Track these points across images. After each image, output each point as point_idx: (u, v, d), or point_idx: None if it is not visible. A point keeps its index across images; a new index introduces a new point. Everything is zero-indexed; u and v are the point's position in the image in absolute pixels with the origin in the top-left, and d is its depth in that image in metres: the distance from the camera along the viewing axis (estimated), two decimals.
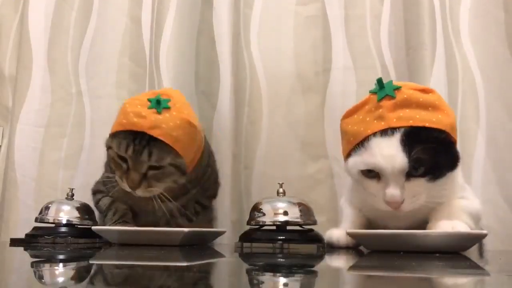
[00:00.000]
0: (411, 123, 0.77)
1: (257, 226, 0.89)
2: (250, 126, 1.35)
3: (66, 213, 0.99)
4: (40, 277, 0.50)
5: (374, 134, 0.78)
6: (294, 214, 0.87)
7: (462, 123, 1.20)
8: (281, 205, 0.88)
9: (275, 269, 0.59)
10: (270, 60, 1.37)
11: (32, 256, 0.78)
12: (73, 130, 1.43)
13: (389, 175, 0.76)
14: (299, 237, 0.87)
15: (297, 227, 0.89)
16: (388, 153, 0.76)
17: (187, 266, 0.63)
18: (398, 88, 0.80)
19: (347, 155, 0.83)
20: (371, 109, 0.81)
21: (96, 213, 1.06)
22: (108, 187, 1.03)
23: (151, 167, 0.93)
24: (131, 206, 1.03)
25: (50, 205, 1.00)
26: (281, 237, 0.85)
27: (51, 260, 0.70)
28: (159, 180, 0.94)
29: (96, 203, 1.06)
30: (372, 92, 0.83)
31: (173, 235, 0.87)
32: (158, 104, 0.92)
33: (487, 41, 1.24)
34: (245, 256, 0.80)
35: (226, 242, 1.13)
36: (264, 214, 0.88)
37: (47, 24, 1.46)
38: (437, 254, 0.69)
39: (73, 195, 1.04)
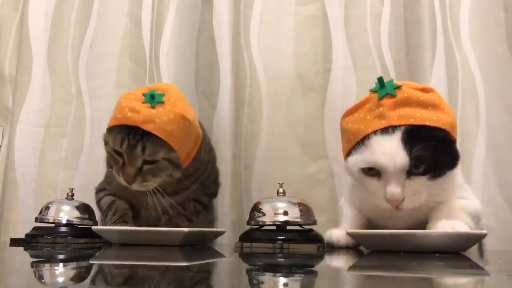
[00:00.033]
0: (411, 121, 0.77)
1: (257, 226, 0.89)
2: (250, 126, 1.35)
3: (66, 213, 0.99)
4: (40, 277, 0.50)
5: (375, 132, 0.78)
6: (294, 214, 0.87)
7: (462, 123, 1.20)
8: (281, 205, 0.88)
9: (275, 269, 0.59)
10: (270, 60, 1.37)
11: (32, 256, 0.78)
12: (73, 130, 1.43)
13: (390, 173, 0.76)
14: (299, 237, 0.87)
15: (297, 227, 0.89)
16: (389, 150, 0.76)
17: (187, 266, 0.63)
18: (398, 87, 0.81)
19: (347, 154, 0.83)
20: (372, 108, 0.81)
21: (97, 212, 1.06)
22: (109, 182, 1.03)
23: (146, 162, 0.93)
24: (130, 201, 1.03)
25: (50, 205, 1.00)
26: (281, 237, 0.85)
27: (51, 260, 0.70)
28: (154, 174, 0.95)
29: (98, 202, 1.07)
30: (373, 91, 0.83)
31: (173, 235, 0.87)
32: (152, 98, 0.93)
33: (487, 41, 1.24)
34: (245, 256, 0.80)
35: (226, 242, 1.13)
36: (264, 214, 0.88)
37: (47, 24, 1.46)
38: (437, 254, 0.69)
39: (73, 195, 1.04)
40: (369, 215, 0.88)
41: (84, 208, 1.02)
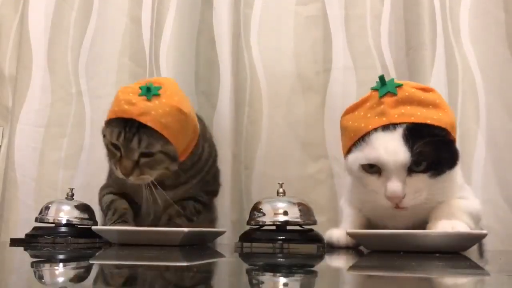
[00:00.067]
0: (412, 119, 0.78)
1: (257, 226, 0.89)
2: (250, 126, 1.35)
3: (66, 213, 0.99)
4: (40, 277, 0.50)
5: (376, 129, 0.78)
6: (294, 214, 0.87)
7: (462, 123, 1.20)
8: (281, 205, 0.88)
9: (275, 269, 0.59)
10: (270, 60, 1.37)
11: (32, 256, 0.78)
12: (73, 130, 1.43)
13: (390, 170, 0.76)
14: (299, 237, 0.87)
15: (297, 227, 0.89)
16: (390, 147, 0.76)
17: (187, 266, 0.63)
18: (399, 86, 0.81)
19: (347, 151, 0.83)
20: (373, 106, 0.81)
21: (97, 211, 1.06)
22: (111, 174, 1.04)
23: (142, 155, 0.94)
24: (130, 195, 1.04)
25: (50, 205, 1.00)
26: (281, 237, 0.85)
27: (51, 260, 0.70)
28: (151, 167, 0.95)
29: (100, 199, 1.07)
30: (374, 89, 0.83)
31: (173, 235, 0.87)
32: (148, 91, 0.93)
33: (487, 41, 1.24)
34: (245, 256, 0.80)
35: (226, 242, 1.13)
36: (264, 214, 0.88)
37: (47, 24, 1.47)
38: (437, 254, 0.69)
39: (73, 195, 1.04)
40: (369, 215, 0.87)
41: (84, 208, 1.02)
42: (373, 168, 0.79)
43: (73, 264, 0.64)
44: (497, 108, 1.21)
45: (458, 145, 0.82)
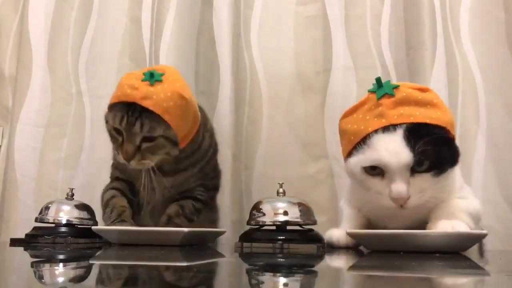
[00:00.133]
0: (411, 119, 0.78)
1: (257, 226, 0.89)
2: (250, 126, 1.35)
3: (66, 213, 0.99)
4: (40, 277, 0.50)
5: (376, 131, 0.78)
6: (294, 214, 0.87)
7: (462, 123, 1.20)
8: (281, 205, 0.88)
9: (275, 269, 0.59)
10: (270, 60, 1.37)
11: (32, 256, 0.78)
12: (73, 130, 1.43)
13: (394, 171, 0.76)
14: (299, 237, 0.87)
15: (297, 227, 0.89)
16: (392, 148, 0.76)
17: (187, 266, 0.63)
18: (396, 87, 0.81)
19: (348, 155, 0.83)
20: (371, 108, 0.81)
21: (97, 211, 1.06)
22: (114, 160, 1.06)
23: (144, 139, 0.95)
24: (132, 181, 1.05)
25: (50, 205, 1.00)
26: (281, 237, 0.85)
27: (51, 260, 0.70)
28: (152, 152, 0.96)
29: (102, 194, 1.08)
30: (371, 91, 0.83)
31: (173, 235, 0.87)
32: (152, 77, 0.95)
33: (487, 41, 1.24)
34: (245, 256, 0.80)
35: (226, 242, 1.13)
36: (264, 214, 0.88)
37: (47, 24, 1.46)
38: (437, 254, 0.69)
39: (73, 195, 1.04)
40: (369, 215, 0.87)
41: (84, 208, 1.02)
42: (375, 170, 0.79)
43: (73, 264, 0.64)
44: (497, 108, 1.21)
45: (458, 145, 0.82)
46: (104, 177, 1.12)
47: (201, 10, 1.41)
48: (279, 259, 0.72)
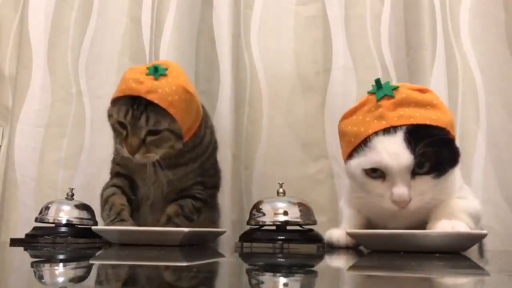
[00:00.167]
0: (412, 121, 0.78)
1: (257, 226, 0.89)
2: (250, 126, 1.35)
3: (66, 213, 0.99)
4: (40, 277, 0.50)
5: (376, 133, 0.78)
6: (294, 214, 0.87)
7: (462, 123, 1.20)
8: (281, 205, 0.88)
9: (275, 269, 0.59)
10: (270, 60, 1.37)
11: (32, 256, 0.78)
12: (73, 130, 1.43)
13: (395, 173, 0.76)
14: (299, 237, 0.87)
15: (297, 227, 0.89)
16: (393, 150, 0.76)
17: (187, 266, 0.63)
18: (396, 88, 0.81)
19: (348, 157, 0.83)
20: (371, 109, 0.81)
21: (97, 211, 1.06)
22: (116, 154, 1.06)
23: (149, 133, 0.95)
24: (133, 177, 1.05)
25: (50, 205, 1.00)
26: (281, 237, 0.85)
27: (51, 260, 0.70)
28: (157, 146, 0.97)
29: (103, 190, 1.07)
30: (370, 93, 0.83)
31: (173, 235, 0.87)
32: (156, 71, 0.96)
33: (487, 41, 1.24)
34: (245, 256, 0.80)
35: (226, 242, 1.13)
36: (264, 214, 0.88)
37: (47, 24, 1.46)
38: (437, 254, 0.69)
39: (73, 195, 1.04)
40: (369, 215, 0.87)
41: (84, 208, 1.02)
42: (376, 173, 0.79)
43: (73, 264, 0.64)
44: (497, 108, 1.21)
45: (458, 145, 0.82)
46: (104, 177, 1.12)
47: (201, 10, 1.41)
48: (279, 259, 0.72)
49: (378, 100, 0.81)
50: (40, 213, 1.00)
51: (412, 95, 0.80)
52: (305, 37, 1.37)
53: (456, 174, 0.82)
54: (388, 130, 0.78)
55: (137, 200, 1.06)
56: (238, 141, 1.31)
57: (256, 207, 0.90)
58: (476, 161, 1.20)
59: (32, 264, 0.64)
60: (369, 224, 0.88)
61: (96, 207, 1.06)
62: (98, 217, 1.05)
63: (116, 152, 1.06)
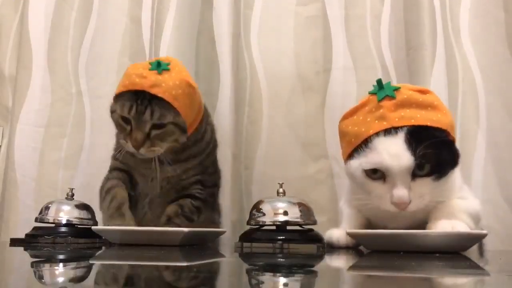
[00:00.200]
0: (412, 122, 0.78)
1: (257, 226, 0.89)
2: (250, 126, 1.35)
3: (66, 213, 0.99)
4: (40, 277, 0.50)
5: (377, 134, 0.78)
6: (294, 214, 0.87)
7: (462, 123, 1.20)
8: (281, 205, 0.88)
9: (275, 269, 0.59)
10: (270, 60, 1.37)
11: (32, 256, 0.78)
12: (73, 130, 1.43)
13: (395, 174, 0.76)
14: (299, 237, 0.87)
15: (297, 227, 0.89)
16: (394, 151, 0.76)
17: (187, 266, 0.63)
18: (397, 89, 0.81)
19: (348, 157, 0.83)
20: (372, 110, 0.81)
21: (97, 211, 1.06)
22: (118, 149, 1.06)
23: (154, 126, 0.96)
24: (133, 173, 1.05)
25: (50, 205, 1.00)
26: (281, 237, 0.85)
27: (51, 260, 0.70)
28: (162, 139, 0.98)
29: (104, 182, 1.08)
30: (372, 93, 0.83)
31: (173, 235, 0.87)
32: (159, 66, 0.97)
33: (487, 41, 1.24)
34: (245, 256, 0.80)
35: (226, 242, 1.13)
36: (264, 214, 0.88)
37: (47, 24, 1.47)
38: (437, 254, 0.69)
39: (73, 195, 1.04)
40: (369, 215, 0.87)
41: (84, 208, 1.02)
42: (376, 174, 0.79)
43: (73, 264, 0.64)
44: (497, 108, 1.21)
45: (458, 145, 0.82)
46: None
47: (201, 10, 1.41)
48: (279, 259, 0.72)
49: (380, 100, 0.80)
50: (40, 213, 1.00)
51: (413, 96, 0.80)
52: (305, 37, 1.37)
53: (456, 175, 0.82)
54: (389, 131, 0.78)
55: (135, 196, 1.06)
56: (238, 141, 1.31)
57: (256, 207, 0.90)
58: (476, 161, 1.20)
59: (32, 264, 0.64)
60: (369, 224, 0.88)
61: (96, 207, 1.06)
62: (98, 217, 1.05)
63: (117, 148, 1.06)
